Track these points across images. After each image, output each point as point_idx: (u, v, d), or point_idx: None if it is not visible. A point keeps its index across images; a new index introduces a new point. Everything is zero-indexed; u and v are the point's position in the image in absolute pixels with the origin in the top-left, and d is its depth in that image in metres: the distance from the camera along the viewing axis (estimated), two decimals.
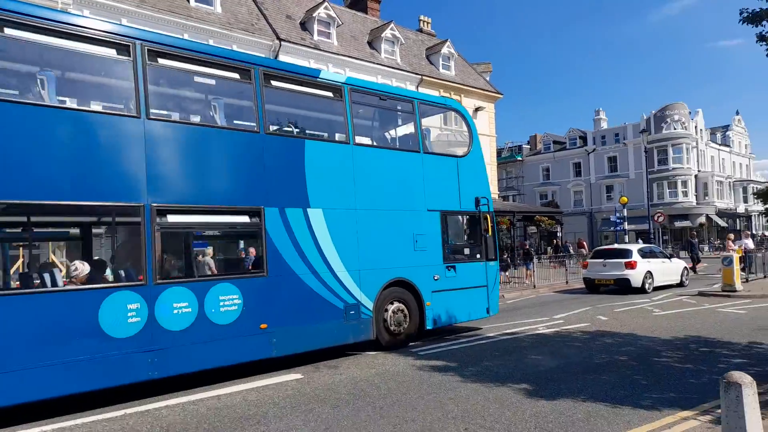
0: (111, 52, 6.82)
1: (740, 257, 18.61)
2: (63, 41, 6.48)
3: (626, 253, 17.48)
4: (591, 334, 10.04)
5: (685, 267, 19.58)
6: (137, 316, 6.54)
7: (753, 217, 65.95)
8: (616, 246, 19.80)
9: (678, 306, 13.69)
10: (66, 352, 6.03)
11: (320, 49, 25.09)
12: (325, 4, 26.25)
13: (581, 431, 5.07)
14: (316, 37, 25.70)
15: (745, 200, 64.41)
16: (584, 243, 36.18)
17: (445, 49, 31.82)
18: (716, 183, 58.05)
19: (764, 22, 6.94)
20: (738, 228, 61.60)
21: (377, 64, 27.43)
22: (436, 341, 9.84)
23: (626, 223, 31.42)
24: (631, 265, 16.92)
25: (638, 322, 11.34)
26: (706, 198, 55.65)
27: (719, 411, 3.94)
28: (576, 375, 7.07)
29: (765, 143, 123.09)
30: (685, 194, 53.52)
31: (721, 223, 56.27)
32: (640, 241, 32.27)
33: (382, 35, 28.57)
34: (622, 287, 16.95)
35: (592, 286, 17.74)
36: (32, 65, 6.89)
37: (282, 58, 23.64)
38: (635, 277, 16.82)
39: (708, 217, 53.95)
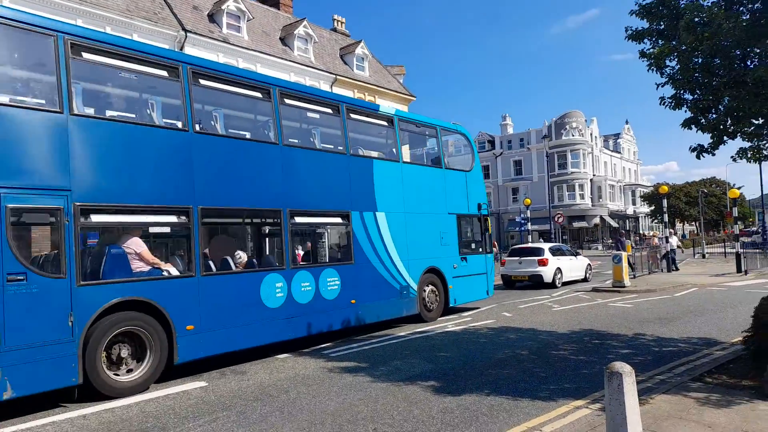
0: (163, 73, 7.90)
1: (650, 255, 21.13)
2: (133, 65, 7.59)
3: (539, 252, 18.91)
4: (496, 330, 10.47)
5: (589, 264, 21.15)
6: (281, 292, 8.81)
7: (640, 218, 72.18)
8: (529, 245, 21.20)
9: (575, 302, 14.65)
10: (240, 318, 8.15)
11: (230, 43, 24.27)
12: None
13: (485, 425, 5.25)
14: (225, 30, 24.83)
15: (634, 202, 70.40)
16: (495, 242, 37.78)
17: (359, 50, 31.94)
18: (609, 186, 62.87)
19: (645, 40, 7.57)
20: (627, 228, 67.11)
21: (290, 61, 26.99)
22: (348, 342, 9.82)
23: (530, 223, 33.21)
24: (543, 263, 18.39)
25: (539, 317, 11.99)
26: (600, 200, 60.14)
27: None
28: (481, 370, 7.33)
29: (650, 150, 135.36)
30: (582, 197, 57.48)
31: (613, 223, 61.01)
32: (541, 240, 34.31)
33: (295, 32, 28.16)
34: (536, 282, 18.31)
35: (509, 282, 19.00)
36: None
37: (188, 50, 22.61)
38: (547, 273, 18.29)
39: (602, 218, 58.29)
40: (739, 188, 53.36)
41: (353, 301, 10.08)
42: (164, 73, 7.86)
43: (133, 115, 8.10)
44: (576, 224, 56.07)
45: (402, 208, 11.32)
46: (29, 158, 6.28)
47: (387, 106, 31.98)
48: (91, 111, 7.29)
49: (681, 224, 70.88)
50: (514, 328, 10.70)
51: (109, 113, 7.69)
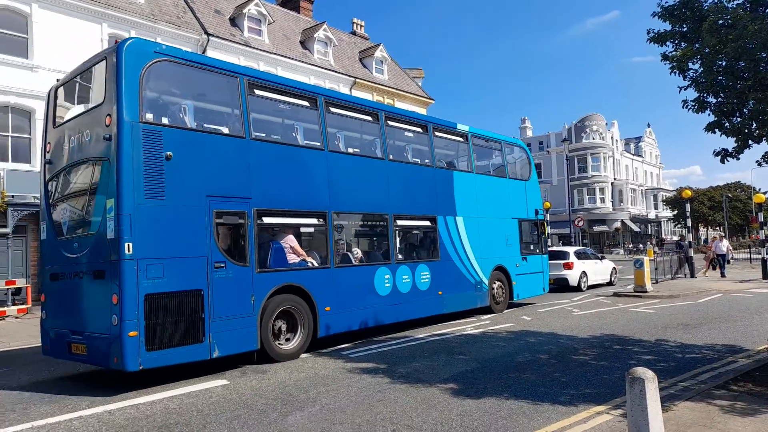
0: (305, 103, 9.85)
1: (710, 258, 21.09)
2: (287, 98, 9.65)
3: (564, 255, 19.09)
4: (515, 334, 10.42)
5: (614, 267, 21.19)
6: (388, 283, 10.64)
7: (663, 223, 71.06)
8: (555, 248, 21.15)
9: (595, 306, 14.50)
10: (361, 301, 10.05)
11: (251, 47, 24.57)
12: (256, 0, 25.75)
13: (504, 429, 5.24)
14: (246, 33, 25.14)
15: (656, 207, 69.32)
16: None
17: (378, 53, 32.06)
18: (630, 190, 62.03)
19: (668, 43, 7.50)
20: (649, 232, 66.12)
21: (310, 64, 27.21)
22: (367, 344, 9.87)
23: (549, 227, 32.94)
24: (568, 266, 18.65)
25: (559, 321, 11.90)
26: (621, 204, 59.35)
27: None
28: (500, 374, 7.31)
29: (673, 154, 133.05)
30: (603, 200, 56.80)
31: (635, 228, 60.17)
32: (561, 243, 33.96)
33: (315, 35, 28.39)
34: (561, 285, 18.38)
35: None
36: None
37: (210, 53, 22.94)
38: (572, 276, 18.57)
39: (623, 222, 57.50)
40: (764, 193, 52.25)
41: (440, 292, 11.82)
42: (306, 103, 9.85)
43: (286, 138, 10.00)
44: (596, 228, 55.42)
45: (475, 213, 13.01)
46: (226, 173, 8.13)
47: (405, 109, 32.22)
48: (262, 135, 9.13)
49: (705, 229, 69.56)
50: (533, 332, 10.64)
51: (269, 136, 9.47)
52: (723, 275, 22.47)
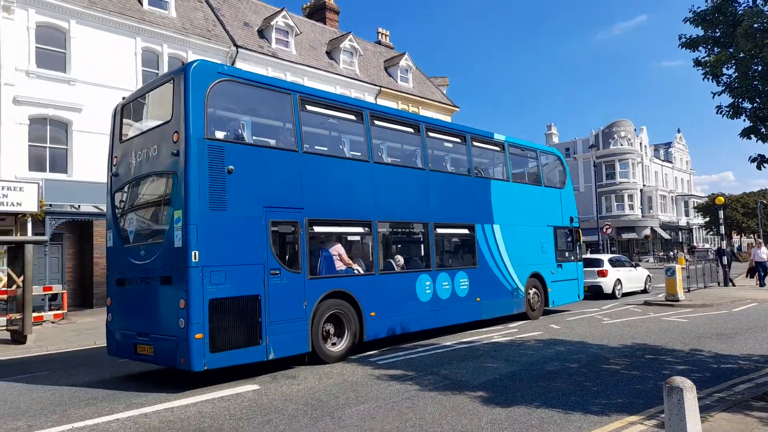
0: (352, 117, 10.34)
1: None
2: (335, 112, 10.10)
3: (598, 263, 19.02)
4: (544, 342, 10.32)
5: (649, 275, 20.86)
6: (429, 289, 10.90)
7: (694, 230, 69.37)
8: (589, 256, 20.90)
9: (625, 315, 14.25)
10: (404, 307, 10.38)
11: (278, 58, 24.97)
12: (284, 12, 26.20)
13: None
14: (274, 45, 25.58)
15: (687, 214, 67.77)
16: None
17: (403, 62, 32.23)
18: (660, 197, 60.79)
19: (700, 48, 7.41)
20: (680, 240, 64.63)
21: (336, 74, 27.51)
22: (394, 351, 9.89)
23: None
24: (602, 274, 18.63)
25: (588, 330, 11.74)
26: (651, 211, 58.18)
27: (663, 415, 4.16)
28: (530, 382, 7.26)
29: (704, 160, 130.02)
30: (631, 207, 55.79)
31: (665, 235, 58.89)
32: (589, 251, 33.43)
33: (341, 46, 28.70)
34: (596, 293, 18.35)
35: None
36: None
37: (239, 65, 23.39)
38: (607, 283, 18.55)
39: (652, 230, 56.35)
40: None
41: (478, 299, 12.07)
42: (353, 117, 10.34)
43: (334, 150, 10.28)
44: (625, 235, 54.41)
45: (511, 221, 13.23)
46: (281, 185, 8.58)
47: (430, 116, 32.37)
48: (312, 148, 9.54)
49: (738, 236, 67.63)
50: (562, 340, 10.52)
51: (318, 148, 9.86)
52: (762, 284, 21.26)
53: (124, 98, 9.57)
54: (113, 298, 8.84)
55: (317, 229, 9.19)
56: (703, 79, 7.29)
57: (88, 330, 13.81)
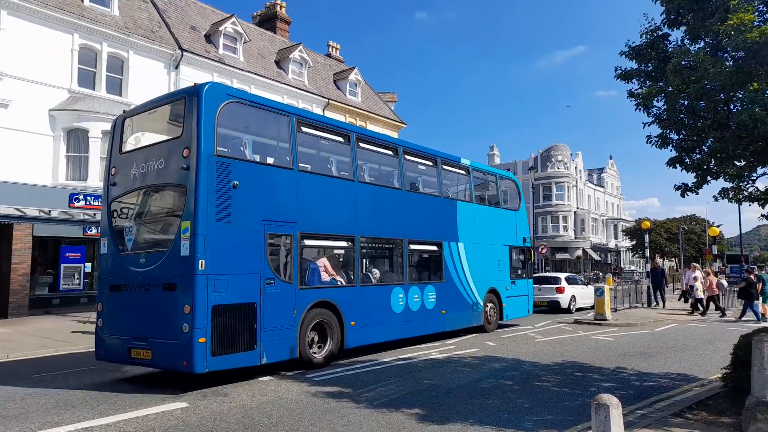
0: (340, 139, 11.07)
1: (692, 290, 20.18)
2: (325, 134, 10.87)
3: (556, 280, 21.18)
4: (480, 359, 10.48)
5: None
6: (402, 301, 11.63)
7: (622, 252, 73.00)
8: (548, 274, 22.91)
9: (557, 333, 14.72)
10: (379, 318, 11.08)
11: (225, 64, 24.48)
12: (233, 19, 25.76)
13: None
14: (221, 50, 25.06)
15: (615, 236, 71.23)
16: None
17: (352, 76, 32.37)
18: (592, 220, 63.64)
19: (634, 80, 7.85)
20: (609, 261, 67.78)
21: (284, 84, 27.25)
22: (333, 367, 9.75)
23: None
24: (560, 290, 20.65)
25: (522, 348, 12.03)
26: (583, 233, 60.77)
27: (591, 431, 4.28)
28: (465, 399, 7.33)
29: (633, 185, 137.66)
30: (566, 228, 58.07)
31: (595, 256, 61.60)
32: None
33: (291, 56, 28.51)
34: (553, 308, 20.46)
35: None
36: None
37: (184, 69, 22.76)
38: (564, 299, 20.53)
39: (584, 251, 58.81)
40: (718, 226, 54.35)
41: (444, 311, 12.88)
42: (341, 139, 11.05)
43: (323, 169, 10.97)
44: (559, 255, 56.49)
45: (473, 239, 14.12)
46: (278, 200, 9.22)
47: (379, 131, 32.62)
48: (306, 167, 10.07)
49: (661, 260, 71.80)
50: (497, 357, 10.72)
51: (308, 167, 10.25)
52: (703, 311, 19.85)
53: (125, 111, 10.17)
54: (105, 303, 9.04)
55: (307, 242, 9.83)
56: (635, 109, 7.71)
57: (1, 342, 12.81)
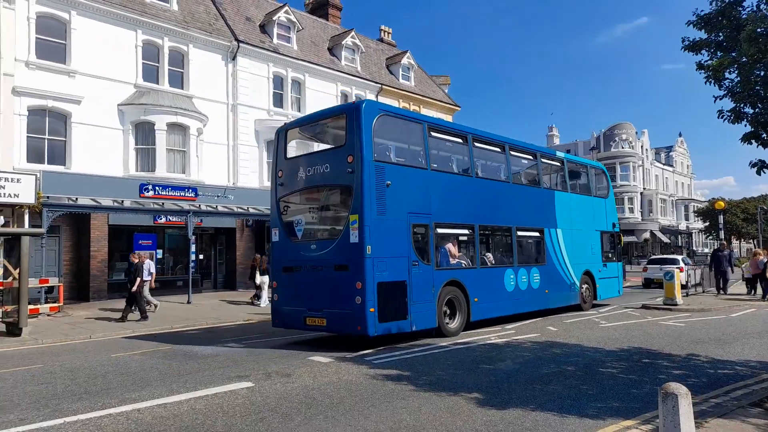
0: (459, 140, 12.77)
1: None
2: (448, 136, 12.69)
3: (675, 261, 24.21)
4: (540, 345, 10.28)
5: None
6: (512, 281, 13.25)
7: (693, 234, 69.32)
8: (668, 256, 26.24)
9: (623, 318, 14.21)
10: (496, 295, 12.74)
11: (279, 53, 24.90)
12: (286, 8, 26.10)
13: None
14: (275, 40, 25.49)
15: (686, 218, 67.68)
16: None
17: (405, 60, 32.15)
18: (660, 201, 60.74)
19: (703, 51, 7.36)
20: (680, 244, 64.55)
21: (337, 70, 27.44)
22: (390, 350, 9.86)
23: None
24: (681, 270, 21.73)
25: (585, 333, 11.70)
26: (651, 215, 58.11)
27: (658, 420, 4.12)
28: (525, 384, 7.22)
29: (705, 164, 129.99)
30: (632, 210, 55.72)
31: (664, 239, 58.85)
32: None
33: (343, 42, 28.62)
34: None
35: (648, 284, 24.54)
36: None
37: (240, 60, 23.35)
38: (683, 277, 21.21)
39: (652, 233, 56.28)
40: None
41: (546, 291, 14.37)
42: (460, 140, 12.66)
43: (447, 167, 12.64)
44: (625, 238, 54.28)
45: (570, 226, 15.48)
46: (417, 195, 11.00)
47: (431, 115, 32.42)
48: (435, 166, 11.72)
49: (738, 241, 67.60)
50: (559, 343, 10.48)
51: (435, 166, 11.75)
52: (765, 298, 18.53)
53: (286, 123, 12.27)
54: (279, 282, 11.15)
55: (439, 230, 11.48)
56: (705, 82, 7.24)
57: (83, 323, 13.77)
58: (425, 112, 31.78)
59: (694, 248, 65.46)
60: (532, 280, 13.91)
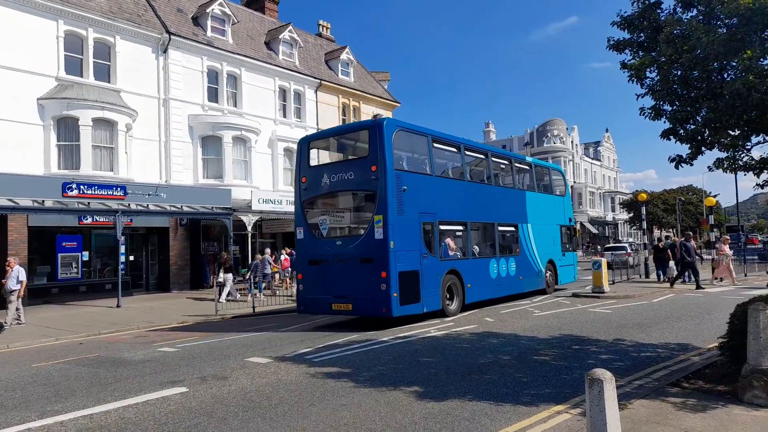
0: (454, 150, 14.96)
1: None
2: (445, 146, 14.56)
3: (624, 248, 31.20)
4: (478, 336, 10.54)
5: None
6: (495, 269, 15.38)
7: (619, 225, 73.15)
8: (619, 244, 31.70)
9: (555, 307, 14.80)
10: (483, 281, 14.85)
11: (214, 46, 24.14)
12: (220, 0, 25.32)
13: (467, 430, 5.28)
14: (209, 33, 24.69)
15: (613, 209, 71.32)
16: None
17: (344, 56, 31.97)
18: (589, 194, 63.63)
19: (626, 51, 7.72)
20: (607, 234, 67.91)
21: (275, 65, 26.92)
22: (330, 348, 9.80)
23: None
24: (628, 255, 28.32)
25: (520, 323, 12.10)
26: (581, 207, 60.78)
27: (586, 404, 4.30)
28: (463, 375, 7.37)
29: (629, 158, 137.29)
30: None
31: (593, 230, 61.74)
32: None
33: (281, 36, 28.10)
34: (624, 266, 25.43)
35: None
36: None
37: (172, 52, 22.47)
38: (630, 261, 26.86)
39: (582, 224, 58.89)
40: (715, 196, 54.43)
41: (521, 277, 16.57)
42: (454, 149, 14.81)
43: (445, 173, 14.55)
44: None
45: (537, 221, 17.70)
46: (425, 198, 12.84)
47: (370, 111, 32.45)
48: (438, 173, 13.87)
49: (659, 231, 72.03)
50: (495, 333, 10.78)
51: (440, 173, 14.18)
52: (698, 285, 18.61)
53: (308, 135, 14.27)
54: (304, 274, 12.89)
55: (442, 227, 13.41)
56: (629, 81, 7.60)
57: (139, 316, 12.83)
58: (365, 108, 31.79)
59: (620, 238, 69.12)
60: (510, 269, 16.07)
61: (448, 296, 13.28)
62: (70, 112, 19.00)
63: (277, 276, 21.05)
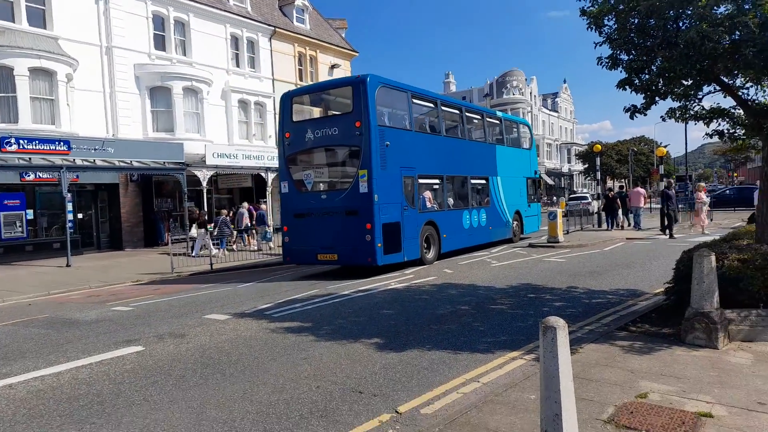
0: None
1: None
2: (424, 102, 15.31)
3: (586, 197, 33.23)
4: (437, 287, 10.70)
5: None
6: (468, 220, 16.28)
7: (575, 176, 74.94)
8: (580, 194, 34.53)
9: (512, 257, 15.16)
10: (457, 232, 15.70)
11: None
12: None
13: (425, 378, 5.38)
14: None
15: (569, 161, 72.83)
16: None
17: (299, 1, 30.70)
18: (546, 145, 64.62)
19: None
20: (563, 185, 69.57)
21: (225, 11, 25.62)
22: (291, 303, 9.78)
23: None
24: (588, 204, 31.56)
25: (478, 273, 12.35)
26: (538, 158, 61.67)
27: (539, 350, 4.42)
28: (423, 326, 7.49)
29: (586, 109, 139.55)
30: None
31: (549, 181, 63.05)
32: None
33: None
34: (585, 213, 26.56)
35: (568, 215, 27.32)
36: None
37: None
38: (592, 208, 29.42)
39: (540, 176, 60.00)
40: (665, 147, 56.19)
41: (490, 228, 17.55)
42: (432, 105, 15.49)
43: (424, 128, 15.24)
44: None
45: (505, 174, 18.50)
46: (405, 153, 13.40)
47: (328, 61, 31.55)
48: (416, 128, 14.47)
49: (612, 181, 74.32)
50: (454, 284, 10.97)
51: (419, 128, 14.79)
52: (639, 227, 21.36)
53: (290, 91, 14.42)
54: (290, 226, 13.37)
55: (421, 181, 14.11)
56: (587, 29, 7.53)
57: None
58: (322, 57, 30.88)
59: (575, 189, 71.02)
60: (481, 219, 16.98)
61: (426, 246, 14.02)
62: (4, 61, 17.69)
63: (235, 233, 20.76)
